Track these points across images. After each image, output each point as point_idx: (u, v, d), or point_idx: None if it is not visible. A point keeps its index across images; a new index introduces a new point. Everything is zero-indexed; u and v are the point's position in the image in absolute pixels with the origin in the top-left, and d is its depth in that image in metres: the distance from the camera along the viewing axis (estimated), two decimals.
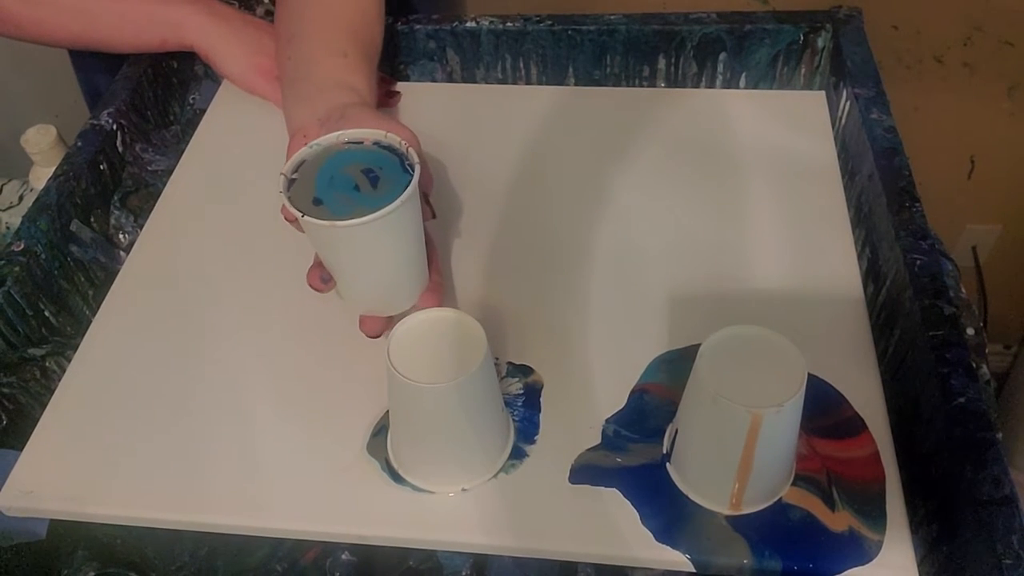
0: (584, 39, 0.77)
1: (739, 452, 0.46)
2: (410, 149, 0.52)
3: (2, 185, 1.06)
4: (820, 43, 0.75)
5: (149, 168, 0.74)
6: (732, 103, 0.75)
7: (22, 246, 0.61)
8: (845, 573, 0.47)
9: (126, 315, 0.62)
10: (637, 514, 0.49)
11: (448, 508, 0.51)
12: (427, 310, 0.50)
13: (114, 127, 0.72)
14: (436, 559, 0.52)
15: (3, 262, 0.60)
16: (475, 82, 0.81)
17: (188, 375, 0.58)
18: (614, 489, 0.50)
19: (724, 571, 0.48)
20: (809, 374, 0.45)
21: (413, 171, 0.51)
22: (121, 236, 0.70)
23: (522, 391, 0.55)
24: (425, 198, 0.57)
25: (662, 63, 0.77)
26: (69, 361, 0.60)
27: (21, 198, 1.04)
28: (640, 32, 0.76)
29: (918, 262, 0.55)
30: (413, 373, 0.46)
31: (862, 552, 0.47)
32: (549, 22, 0.77)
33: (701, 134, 0.73)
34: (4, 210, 1.03)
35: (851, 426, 0.52)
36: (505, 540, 0.49)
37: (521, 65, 0.79)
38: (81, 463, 0.54)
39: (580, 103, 0.77)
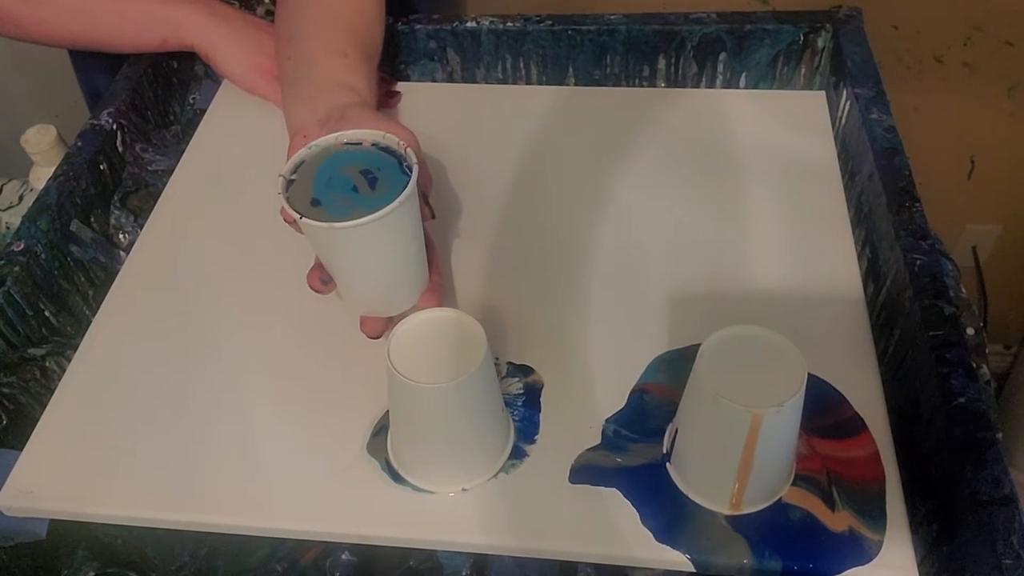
0: (584, 39, 0.77)
1: (739, 452, 0.46)
2: (408, 150, 0.52)
3: (2, 185, 1.06)
4: (820, 43, 0.75)
5: (149, 168, 0.74)
6: (732, 103, 0.75)
7: (22, 246, 0.61)
8: (845, 573, 0.47)
9: (126, 315, 0.62)
10: (637, 514, 0.49)
11: (448, 508, 0.51)
12: (427, 310, 0.50)
13: (114, 127, 0.72)
14: (436, 559, 0.52)
15: (3, 262, 0.60)
16: (475, 82, 0.81)
17: (188, 375, 0.58)
18: (614, 489, 0.50)
19: (724, 571, 0.48)
20: (809, 374, 0.45)
21: (411, 172, 0.51)
22: (121, 236, 0.70)
23: (522, 391, 0.55)
24: (424, 199, 0.57)
25: (662, 63, 0.77)
26: (69, 361, 0.60)
27: (21, 198, 1.04)
28: (640, 32, 0.76)
29: (918, 262, 0.55)
30: (413, 373, 0.46)
31: (862, 552, 0.47)
32: (549, 22, 0.77)
33: (701, 134, 0.73)
34: (4, 210, 1.03)
35: (851, 426, 0.52)
36: (505, 540, 0.49)
37: (521, 65, 0.79)
38: (81, 463, 0.54)
39: (580, 103, 0.77)
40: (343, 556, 0.52)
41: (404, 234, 0.52)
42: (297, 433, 0.55)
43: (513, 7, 0.80)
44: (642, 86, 0.79)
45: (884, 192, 0.60)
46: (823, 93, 0.76)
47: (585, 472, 0.51)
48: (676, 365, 0.56)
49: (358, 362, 0.57)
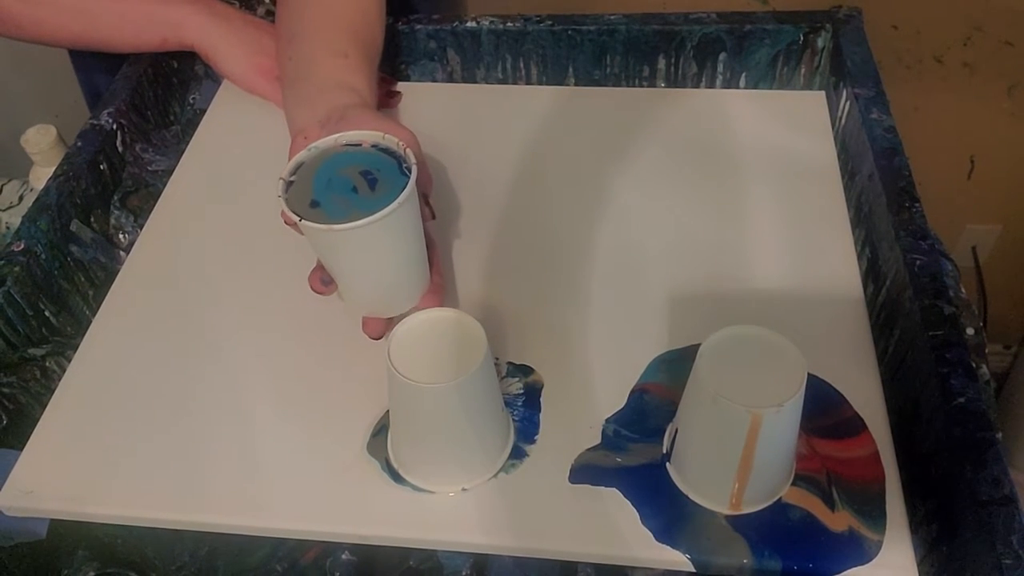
0: (584, 39, 0.77)
1: (739, 452, 0.46)
2: (408, 151, 0.52)
3: (2, 185, 1.06)
4: (820, 43, 0.75)
5: (149, 168, 0.74)
6: (732, 103, 0.75)
7: (22, 246, 0.61)
8: (845, 573, 0.47)
9: (126, 315, 0.62)
10: (637, 514, 0.49)
11: (448, 508, 0.51)
12: (427, 310, 0.50)
13: (114, 127, 0.72)
14: (436, 559, 0.52)
15: (3, 262, 0.60)
16: (475, 82, 0.81)
17: (188, 375, 0.58)
18: (614, 489, 0.50)
19: (724, 571, 0.48)
20: (809, 374, 0.45)
21: (411, 173, 0.51)
22: (121, 236, 0.70)
23: (522, 391, 0.55)
24: (425, 199, 0.57)
25: (662, 63, 0.77)
26: (69, 361, 0.60)
27: (21, 198, 1.04)
28: (640, 32, 0.76)
29: (918, 262, 0.55)
30: (413, 373, 0.46)
31: (862, 552, 0.47)
32: (549, 22, 0.77)
33: (701, 134, 0.73)
34: (4, 210, 1.03)
35: (851, 426, 0.52)
36: (505, 540, 0.49)
37: (521, 65, 0.79)
38: (81, 463, 0.54)
39: (580, 103, 0.77)
40: (343, 556, 0.52)
41: (404, 235, 0.52)
42: (297, 433, 0.55)
43: (513, 7, 0.80)
44: (642, 86, 0.79)
45: (884, 192, 0.60)
46: (823, 93, 0.76)
47: (585, 472, 0.51)
48: (676, 365, 0.56)
49: (358, 362, 0.57)
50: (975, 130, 1.31)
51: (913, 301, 0.53)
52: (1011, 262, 1.47)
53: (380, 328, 0.56)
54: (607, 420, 0.54)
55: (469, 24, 0.78)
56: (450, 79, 0.82)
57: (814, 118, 0.73)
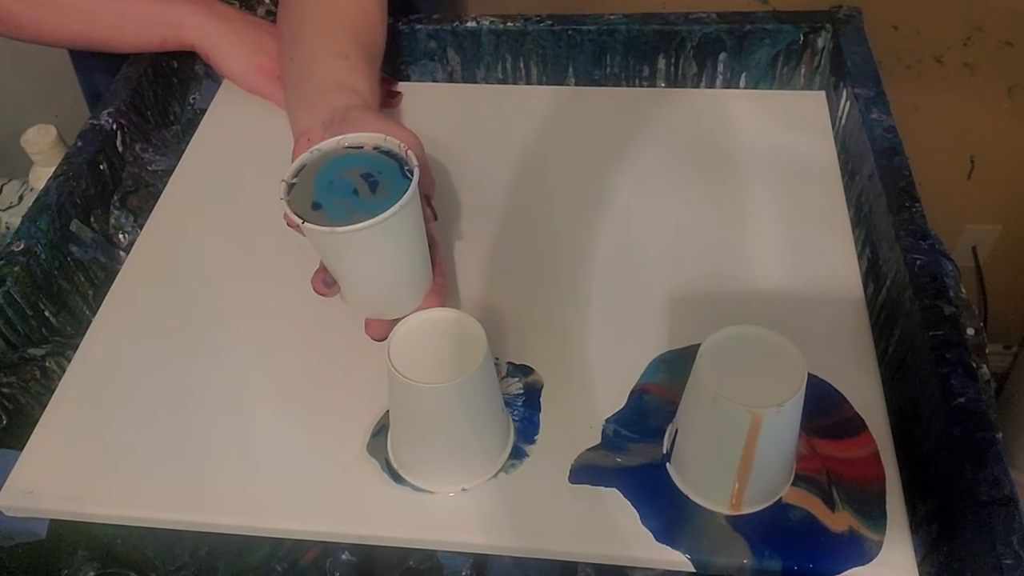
0: (584, 39, 0.77)
1: (739, 452, 0.46)
2: (409, 153, 0.52)
3: (2, 185, 1.06)
4: (820, 43, 0.75)
5: (149, 168, 0.74)
6: (732, 103, 0.75)
7: (22, 246, 0.61)
8: (845, 573, 0.47)
9: (126, 315, 0.62)
10: (637, 514, 0.49)
11: (448, 508, 0.51)
12: (427, 310, 0.50)
13: (114, 127, 0.72)
14: (436, 559, 0.52)
15: (3, 262, 0.60)
16: (475, 82, 0.81)
17: (188, 375, 0.58)
18: (614, 489, 0.50)
19: (724, 571, 0.48)
20: (809, 374, 0.45)
21: (412, 176, 0.51)
22: (121, 236, 0.70)
23: (522, 391, 0.55)
24: (427, 201, 0.57)
25: (662, 63, 0.77)
26: (69, 361, 0.60)
27: (21, 198, 1.04)
28: (640, 32, 0.76)
29: (918, 262, 0.55)
30: (413, 373, 0.46)
31: (862, 552, 0.47)
32: (549, 22, 0.77)
33: (701, 134, 0.73)
34: (4, 210, 1.03)
35: (851, 426, 0.52)
36: (505, 540, 0.49)
37: (521, 65, 0.79)
38: (81, 463, 0.54)
39: (580, 103, 0.77)
40: (343, 556, 0.52)
41: (406, 237, 0.52)
42: (297, 433, 0.55)
43: (513, 7, 0.80)
44: (642, 86, 0.79)
45: (884, 192, 0.60)
46: (823, 93, 0.76)
47: (585, 472, 0.51)
48: (676, 365, 0.56)
49: (358, 362, 0.57)
50: (975, 130, 1.31)
51: (913, 301, 0.53)
52: (1011, 262, 1.47)
53: (383, 330, 0.56)
54: (607, 420, 0.54)
55: (469, 24, 0.78)
56: (450, 79, 0.82)
57: (814, 118, 0.73)
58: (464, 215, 0.67)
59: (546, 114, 0.76)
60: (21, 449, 0.55)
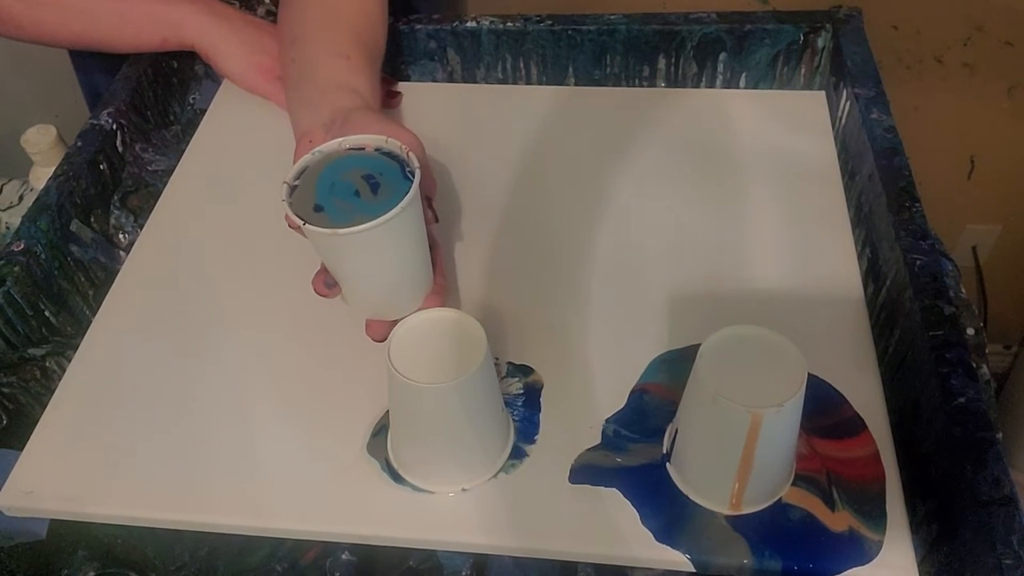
0: (584, 39, 0.77)
1: (739, 452, 0.46)
2: (411, 154, 0.52)
3: (2, 185, 1.06)
4: (820, 43, 0.75)
5: (149, 168, 0.74)
6: (732, 103, 0.75)
7: (22, 246, 0.61)
8: (845, 573, 0.47)
9: (126, 315, 0.62)
10: (637, 514, 0.49)
11: (448, 508, 0.51)
12: (427, 310, 0.50)
13: (114, 127, 0.72)
14: (436, 559, 0.52)
15: (3, 262, 0.60)
16: (475, 82, 0.81)
17: (188, 375, 0.58)
18: (614, 489, 0.50)
19: (724, 571, 0.48)
20: (809, 374, 0.45)
21: (413, 177, 0.51)
22: (121, 236, 0.70)
23: (522, 391, 0.55)
24: (428, 202, 0.57)
25: (662, 63, 0.77)
26: (69, 361, 0.60)
27: (21, 198, 1.04)
28: (640, 32, 0.76)
29: (918, 262, 0.55)
30: (413, 373, 0.46)
31: (862, 552, 0.47)
32: (549, 22, 0.77)
33: (701, 134, 0.73)
34: (4, 210, 1.03)
35: (851, 426, 0.52)
36: (505, 540, 0.49)
37: (521, 65, 0.79)
38: (81, 463, 0.54)
39: (580, 103, 0.77)
40: (343, 556, 0.52)
41: (407, 239, 0.52)
42: (297, 433, 0.55)
43: (513, 7, 0.80)
44: (642, 86, 0.79)
45: (884, 192, 0.60)
46: (823, 93, 0.76)
47: (585, 472, 0.51)
48: (676, 365, 0.56)
49: (358, 362, 0.57)
50: (975, 130, 1.31)
51: (913, 301, 0.53)
52: (1011, 262, 1.47)
53: (383, 330, 0.56)
54: (607, 420, 0.54)
55: (469, 24, 0.78)
56: (450, 79, 0.82)
57: (814, 118, 0.73)
58: (464, 215, 0.67)
59: (546, 114, 0.76)
60: (21, 449, 0.55)
